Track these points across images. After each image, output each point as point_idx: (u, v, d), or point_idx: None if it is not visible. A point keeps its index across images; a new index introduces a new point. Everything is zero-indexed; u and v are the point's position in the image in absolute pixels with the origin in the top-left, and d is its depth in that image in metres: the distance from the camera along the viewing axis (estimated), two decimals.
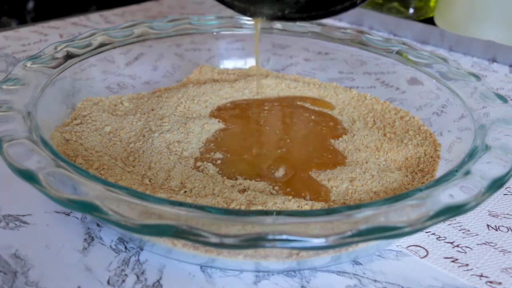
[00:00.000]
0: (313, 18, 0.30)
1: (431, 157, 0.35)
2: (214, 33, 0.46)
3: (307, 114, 0.40)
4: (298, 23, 0.47)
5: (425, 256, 0.28)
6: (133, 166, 0.32)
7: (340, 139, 0.37)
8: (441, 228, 0.30)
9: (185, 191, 0.30)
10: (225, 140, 0.36)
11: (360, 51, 0.44)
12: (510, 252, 0.29)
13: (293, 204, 0.28)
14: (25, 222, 0.29)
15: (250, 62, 0.48)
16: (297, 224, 0.22)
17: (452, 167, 0.27)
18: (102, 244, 0.28)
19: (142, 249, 0.28)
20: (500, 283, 0.27)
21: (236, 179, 0.32)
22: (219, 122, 0.38)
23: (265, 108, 0.41)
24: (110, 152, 0.33)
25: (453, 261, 0.28)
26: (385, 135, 0.38)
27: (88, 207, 0.23)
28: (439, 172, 0.33)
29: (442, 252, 0.29)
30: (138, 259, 0.27)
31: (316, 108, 0.41)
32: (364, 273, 0.27)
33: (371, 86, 0.44)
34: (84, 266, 0.27)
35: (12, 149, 0.26)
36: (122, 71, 0.43)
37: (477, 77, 0.37)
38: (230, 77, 0.46)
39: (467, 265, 0.28)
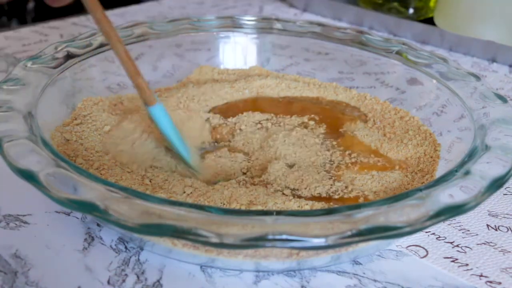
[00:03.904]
0: None
1: (431, 157, 0.35)
2: (214, 33, 0.46)
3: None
4: (298, 23, 0.47)
5: (425, 256, 0.28)
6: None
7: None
8: (441, 228, 0.30)
9: (185, 192, 0.30)
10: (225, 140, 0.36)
11: (360, 51, 0.44)
12: (510, 252, 0.29)
13: (293, 204, 0.28)
14: (25, 222, 0.29)
15: (250, 62, 0.48)
16: (297, 224, 0.22)
17: (452, 167, 0.27)
18: (102, 244, 0.28)
19: (142, 249, 0.28)
20: (500, 283, 0.27)
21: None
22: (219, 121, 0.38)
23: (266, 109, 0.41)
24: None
25: (453, 261, 0.28)
26: (385, 135, 0.38)
27: (88, 207, 0.23)
28: (439, 172, 0.33)
29: (442, 252, 0.29)
30: (138, 259, 0.27)
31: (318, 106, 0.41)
32: (364, 273, 0.27)
33: (371, 86, 0.44)
34: (84, 266, 0.27)
35: (12, 149, 0.26)
36: (122, 71, 0.43)
37: (477, 77, 0.37)
38: (230, 77, 0.46)
39: (467, 265, 0.28)
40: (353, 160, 0.34)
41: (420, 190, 0.25)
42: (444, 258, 0.28)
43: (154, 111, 0.30)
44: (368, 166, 0.33)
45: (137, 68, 0.29)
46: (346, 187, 0.31)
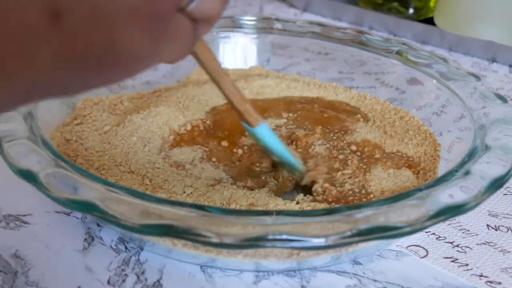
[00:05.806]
0: None
1: (431, 157, 0.35)
2: (214, 33, 0.46)
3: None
4: (298, 23, 0.47)
5: (425, 256, 0.28)
6: None
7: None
8: (441, 228, 0.30)
9: (185, 192, 0.30)
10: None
11: (360, 51, 0.44)
12: (509, 252, 0.29)
13: (294, 205, 0.28)
14: (25, 222, 0.29)
15: (250, 62, 0.48)
16: (297, 224, 0.22)
17: (452, 167, 0.27)
18: (102, 244, 0.28)
19: (142, 249, 0.28)
20: (499, 283, 0.27)
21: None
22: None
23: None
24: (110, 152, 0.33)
25: (453, 261, 0.28)
26: (385, 133, 0.38)
27: (88, 207, 0.23)
28: (439, 172, 0.33)
29: (442, 252, 0.29)
30: (138, 259, 0.27)
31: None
32: (364, 273, 0.27)
33: (371, 86, 0.44)
34: (84, 266, 0.27)
35: (12, 149, 0.26)
36: None
37: (477, 77, 0.37)
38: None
39: (467, 265, 0.28)
40: (376, 156, 0.34)
41: (420, 190, 0.25)
42: (444, 258, 0.28)
43: (261, 130, 0.31)
44: (387, 163, 0.33)
45: (243, 94, 0.30)
46: (360, 190, 0.31)
